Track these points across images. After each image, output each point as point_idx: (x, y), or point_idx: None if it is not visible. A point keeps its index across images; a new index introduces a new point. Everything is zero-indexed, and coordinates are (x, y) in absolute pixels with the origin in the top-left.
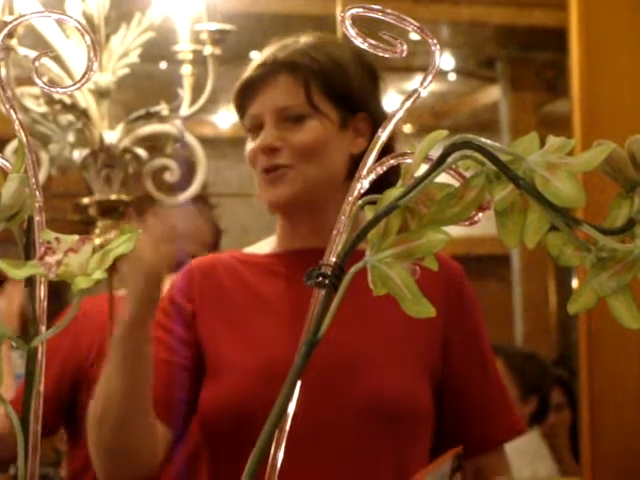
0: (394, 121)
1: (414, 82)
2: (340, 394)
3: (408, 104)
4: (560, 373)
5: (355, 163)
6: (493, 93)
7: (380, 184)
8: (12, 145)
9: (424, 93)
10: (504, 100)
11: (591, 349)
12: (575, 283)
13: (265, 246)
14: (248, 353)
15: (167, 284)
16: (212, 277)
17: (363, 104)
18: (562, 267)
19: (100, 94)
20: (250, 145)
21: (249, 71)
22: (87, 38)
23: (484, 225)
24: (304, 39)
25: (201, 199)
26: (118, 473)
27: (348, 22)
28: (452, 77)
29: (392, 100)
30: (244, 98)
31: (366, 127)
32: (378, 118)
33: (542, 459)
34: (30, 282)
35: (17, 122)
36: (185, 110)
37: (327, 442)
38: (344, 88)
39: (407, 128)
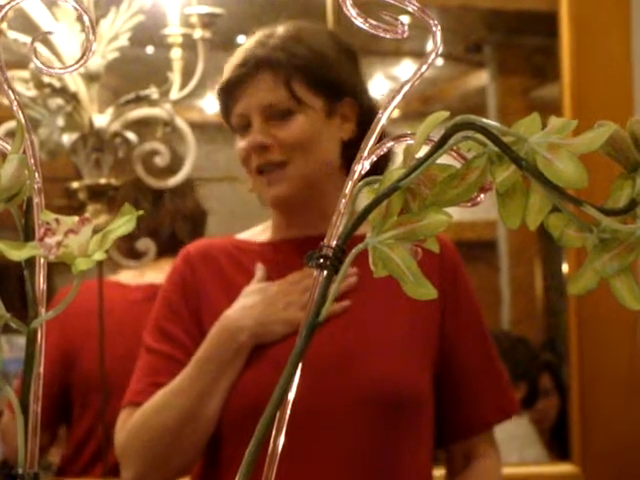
0: (394, 103)
1: (402, 67)
2: (338, 381)
3: (407, 87)
4: (548, 358)
5: (346, 148)
6: (481, 78)
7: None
8: (3, 128)
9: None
10: (492, 85)
11: (581, 334)
12: (565, 268)
13: (259, 233)
14: None
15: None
16: (210, 261)
17: (347, 89)
18: (550, 252)
19: (90, 78)
20: (240, 144)
21: (229, 72)
22: (86, 18)
23: (474, 210)
24: (280, 31)
25: (186, 181)
26: (154, 476)
27: (349, 2)
28: (440, 62)
29: (380, 85)
30: (228, 99)
31: (352, 112)
32: (364, 101)
33: (531, 445)
34: (29, 264)
35: (15, 103)
36: (175, 94)
37: (325, 430)
38: (326, 77)
39: (395, 113)
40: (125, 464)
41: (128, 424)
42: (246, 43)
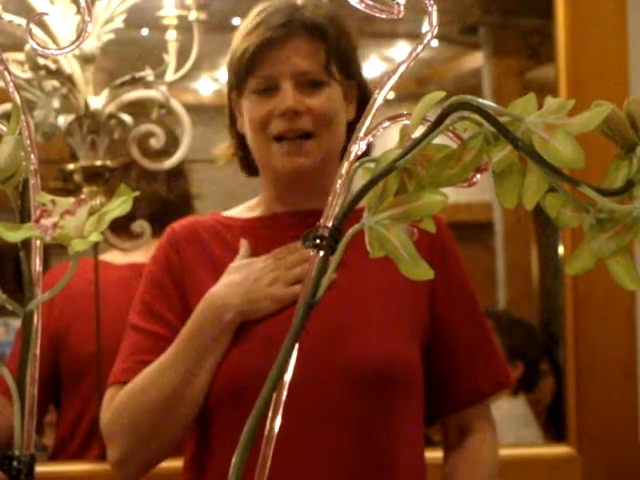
0: (390, 83)
1: (397, 49)
2: (327, 358)
3: (403, 67)
4: (544, 339)
5: (349, 129)
6: (476, 59)
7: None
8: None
9: (410, 58)
10: (487, 66)
11: (577, 315)
12: (561, 249)
13: (245, 210)
14: None
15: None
16: (196, 238)
17: (356, 72)
18: (546, 234)
19: (85, 60)
20: (258, 107)
21: (268, 30)
22: (81, 0)
23: (470, 192)
24: (310, 4)
25: (175, 167)
26: (140, 454)
27: None
28: (435, 44)
29: (375, 66)
30: (256, 58)
31: (355, 94)
32: (362, 84)
33: (527, 425)
34: (25, 245)
35: (11, 84)
36: (170, 76)
37: (316, 405)
38: (348, 56)
39: (390, 95)
40: (110, 444)
41: (114, 403)
42: (268, 9)
